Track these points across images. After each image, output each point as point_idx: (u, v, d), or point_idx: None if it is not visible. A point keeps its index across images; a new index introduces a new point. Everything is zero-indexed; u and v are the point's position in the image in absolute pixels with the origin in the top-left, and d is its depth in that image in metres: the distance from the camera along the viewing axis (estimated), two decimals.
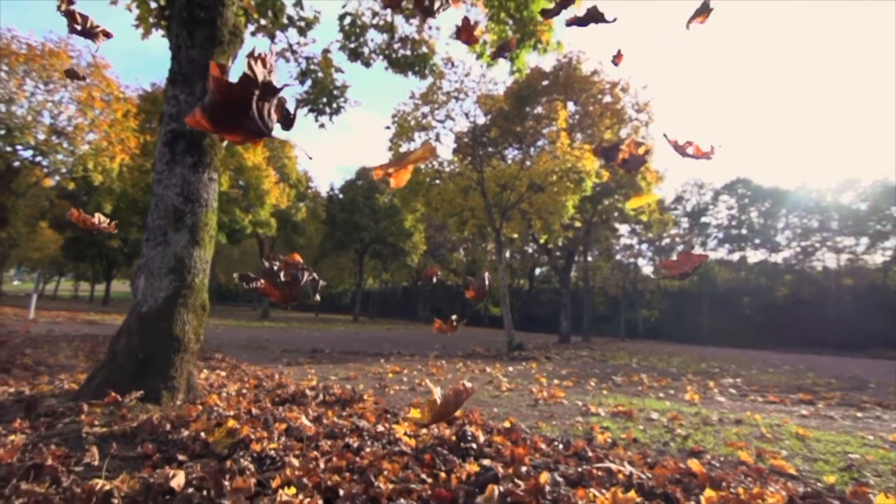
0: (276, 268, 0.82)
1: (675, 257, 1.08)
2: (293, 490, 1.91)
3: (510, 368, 8.77)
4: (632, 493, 2.05)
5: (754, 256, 34.28)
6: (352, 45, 8.79)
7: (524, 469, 2.33)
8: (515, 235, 15.14)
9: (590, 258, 24.61)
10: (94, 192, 21.42)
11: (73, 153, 19.45)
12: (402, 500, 1.84)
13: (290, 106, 0.80)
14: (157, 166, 3.78)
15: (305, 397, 4.23)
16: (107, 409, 3.22)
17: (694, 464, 2.59)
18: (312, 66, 9.33)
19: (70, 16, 0.98)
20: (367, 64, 8.71)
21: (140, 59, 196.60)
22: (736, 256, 34.75)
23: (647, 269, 33.03)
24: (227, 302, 50.15)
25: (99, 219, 1.02)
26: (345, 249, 31.51)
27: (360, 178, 31.30)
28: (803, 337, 24.74)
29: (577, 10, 2.50)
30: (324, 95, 9.23)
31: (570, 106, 16.42)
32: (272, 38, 8.68)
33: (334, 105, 9.24)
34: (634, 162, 1.44)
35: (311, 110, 9.46)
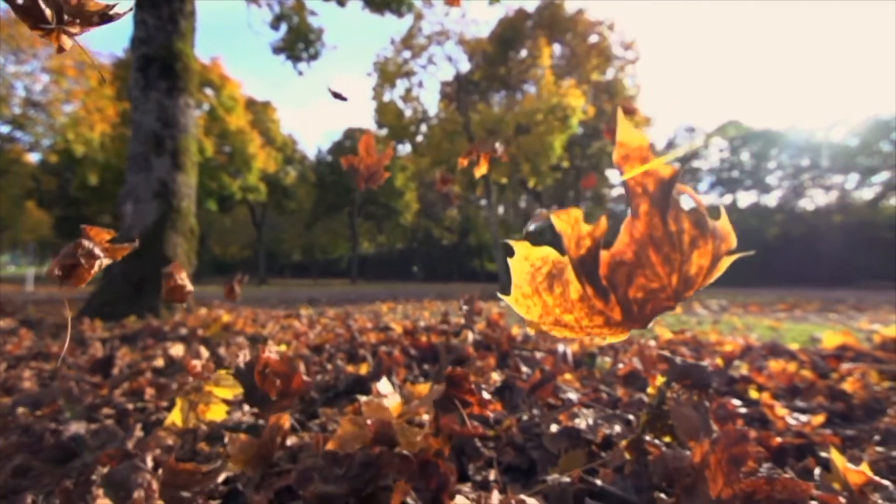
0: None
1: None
2: (284, 346, 2.07)
3: (502, 303, 9.02)
4: (597, 339, 2.22)
5: (746, 199, 34.39)
6: None
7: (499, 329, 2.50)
8: (504, 180, 15.18)
9: (582, 208, 24.71)
10: (78, 165, 21.09)
11: (52, 126, 19.07)
12: (383, 347, 2.01)
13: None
14: (133, 92, 3.78)
15: (301, 317, 4.41)
16: (108, 324, 3.37)
17: (660, 328, 2.78)
18: (286, 11, 9.07)
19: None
20: (341, 3, 8.47)
21: (107, 29, 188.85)
22: (728, 199, 34.89)
23: None
24: (224, 273, 50.26)
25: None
26: (337, 212, 31.42)
27: (348, 138, 30.83)
28: (794, 274, 25.16)
29: None
30: (300, 41, 9.03)
31: (557, 49, 16.10)
32: None
33: (311, 50, 9.04)
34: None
35: (288, 57, 9.27)
